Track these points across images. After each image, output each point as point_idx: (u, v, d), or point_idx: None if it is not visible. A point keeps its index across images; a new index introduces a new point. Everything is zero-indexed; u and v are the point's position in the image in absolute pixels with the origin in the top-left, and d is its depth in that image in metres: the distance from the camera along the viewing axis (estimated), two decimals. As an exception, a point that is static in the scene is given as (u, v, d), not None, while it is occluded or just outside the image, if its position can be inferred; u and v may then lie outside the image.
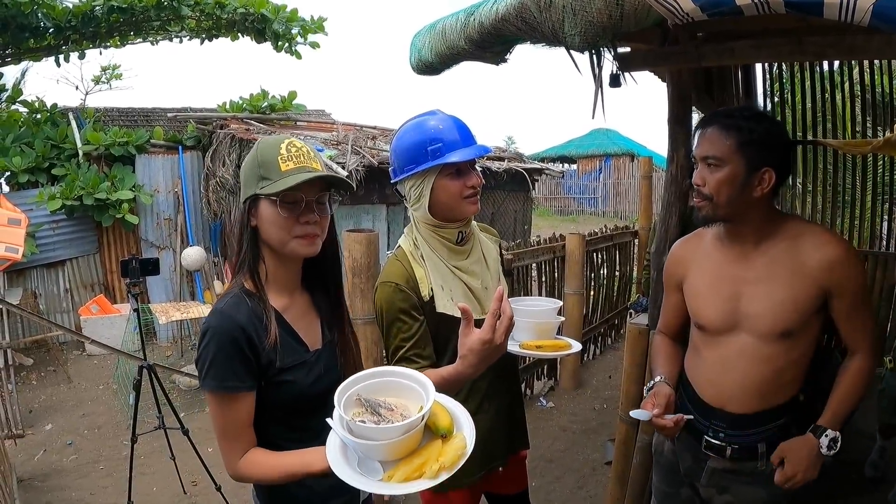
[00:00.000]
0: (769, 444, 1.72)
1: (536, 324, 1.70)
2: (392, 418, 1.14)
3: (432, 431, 1.18)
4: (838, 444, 1.64)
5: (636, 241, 6.72)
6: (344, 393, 1.19)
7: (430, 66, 2.29)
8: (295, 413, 1.43)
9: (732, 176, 1.62)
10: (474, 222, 1.92)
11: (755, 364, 1.68)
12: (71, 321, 7.76)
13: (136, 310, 3.53)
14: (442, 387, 1.67)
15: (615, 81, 2.21)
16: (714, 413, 1.76)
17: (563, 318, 1.78)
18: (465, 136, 1.71)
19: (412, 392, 1.21)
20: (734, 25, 2.44)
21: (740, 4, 1.34)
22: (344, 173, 6.04)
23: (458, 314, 1.62)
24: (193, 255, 7.59)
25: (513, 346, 1.67)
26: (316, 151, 1.43)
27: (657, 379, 1.85)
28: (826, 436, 1.63)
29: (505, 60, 2.27)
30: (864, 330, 1.69)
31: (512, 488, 2.10)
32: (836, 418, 1.66)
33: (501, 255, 2.04)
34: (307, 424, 1.42)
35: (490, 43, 1.99)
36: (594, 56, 1.98)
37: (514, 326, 1.59)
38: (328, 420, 1.18)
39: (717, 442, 1.76)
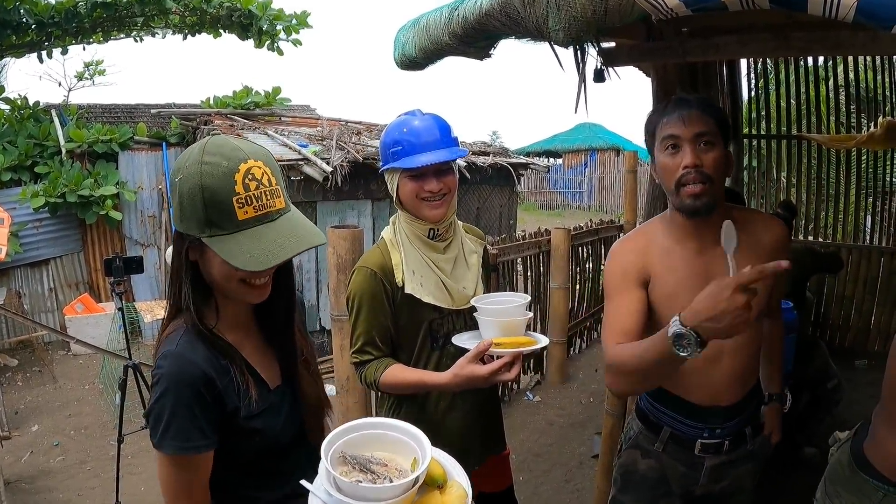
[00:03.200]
0: (752, 424, 1.78)
1: (500, 322, 1.66)
2: (389, 475, 1.05)
3: (426, 483, 1.12)
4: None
5: (621, 235, 6.74)
6: (329, 448, 1.09)
7: (414, 61, 2.27)
8: (262, 460, 1.26)
9: (723, 156, 1.55)
10: (459, 221, 1.94)
11: (739, 355, 1.66)
12: (56, 321, 7.68)
13: (120, 309, 3.49)
14: (418, 388, 1.75)
15: (599, 77, 2.21)
16: (708, 413, 1.71)
17: (530, 315, 1.73)
18: (435, 139, 1.73)
19: (399, 444, 1.14)
20: (719, 21, 2.44)
21: (725, 0, 1.33)
22: (328, 168, 6.01)
23: (426, 299, 1.78)
24: (179, 252, 7.51)
25: (471, 345, 1.65)
26: (277, 174, 1.15)
27: (675, 318, 1.28)
28: (788, 399, 1.91)
29: (489, 55, 2.25)
30: (779, 296, 1.92)
31: (494, 486, 2.08)
32: (780, 381, 1.96)
33: (486, 256, 2.04)
34: (274, 469, 1.28)
35: (474, 38, 1.97)
36: (578, 52, 1.97)
37: (480, 325, 1.69)
38: (304, 483, 1.09)
39: (714, 441, 1.72)
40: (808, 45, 1.99)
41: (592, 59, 2.13)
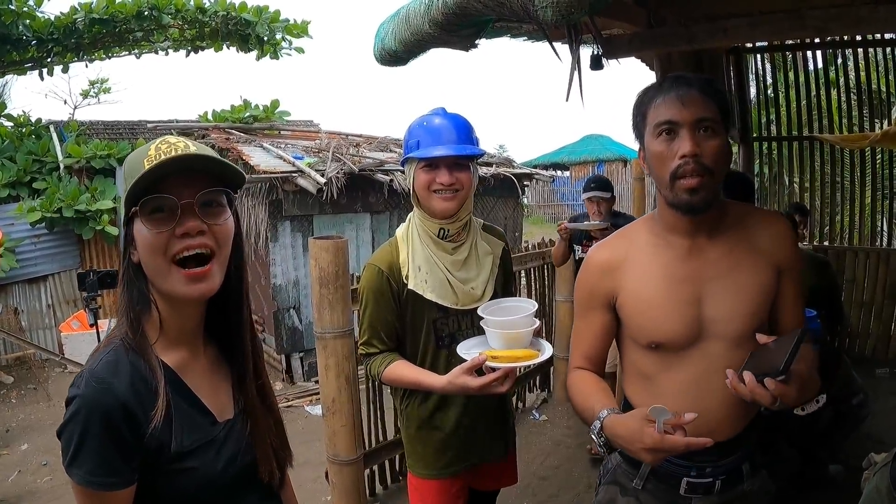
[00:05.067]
0: (751, 460, 1.52)
1: (503, 333, 1.63)
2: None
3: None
4: None
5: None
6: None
7: (394, 55, 2.12)
8: (198, 502, 1.08)
9: (725, 146, 1.34)
10: (477, 220, 1.99)
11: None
12: (53, 337, 7.61)
13: (92, 325, 3.33)
14: (416, 387, 1.82)
15: (597, 64, 2.04)
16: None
17: (537, 324, 1.68)
18: (452, 137, 1.79)
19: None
20: (727, 7, 2.29)
21: None
22: (322, 179, 5.85)
23: (429, 296, 1.84)
24: (177, 267, 7.43)
25: (471, 355, 1.65)
26: (201, 145, 1.06)
27: (604, 413, 1.34)
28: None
29: (475, 46, 2.11)
30: (802, 315, 1.53)
31: (491, 485, 2.17)
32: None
33: (506, 258, 2.04)
34: None
35: (456, 25, 1.83)
36: (570, 32, 1.80)
37: (486, 333, 1.69)
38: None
39: (703, 480, 1.48)
40: (825, 24, 1.80)
41: (589, 48, 1.96)
